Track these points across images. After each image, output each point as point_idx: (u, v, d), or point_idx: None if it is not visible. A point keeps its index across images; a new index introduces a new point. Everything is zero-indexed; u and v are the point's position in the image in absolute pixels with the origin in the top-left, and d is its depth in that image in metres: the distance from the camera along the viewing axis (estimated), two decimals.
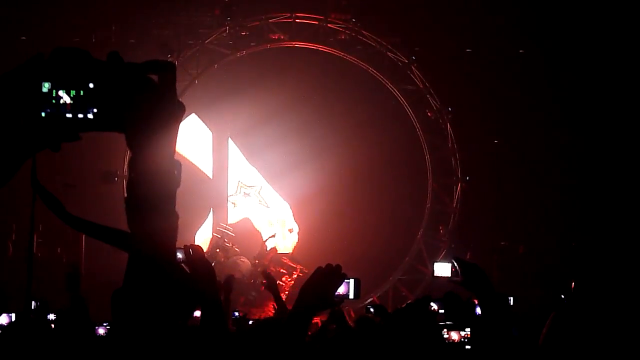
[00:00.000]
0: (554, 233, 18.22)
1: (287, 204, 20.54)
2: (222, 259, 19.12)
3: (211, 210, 20.20)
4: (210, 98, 19.58)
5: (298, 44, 19.53)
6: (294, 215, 20.47)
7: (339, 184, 19.35)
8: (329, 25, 19.38)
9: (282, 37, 19.55)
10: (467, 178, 19.14)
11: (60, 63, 1.69)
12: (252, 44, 19.54)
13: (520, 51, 19.11)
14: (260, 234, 20.18)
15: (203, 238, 19.65)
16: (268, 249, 19.66)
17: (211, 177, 20.47)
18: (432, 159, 19.54)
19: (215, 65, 19.36)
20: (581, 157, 18.16)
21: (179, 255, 3.68)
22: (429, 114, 19.66)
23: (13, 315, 8.89)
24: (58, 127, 1.70)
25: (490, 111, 18.79)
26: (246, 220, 20.62)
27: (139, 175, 1.74)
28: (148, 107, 1.71)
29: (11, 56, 16.27)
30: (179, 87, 18.76)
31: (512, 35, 18.85)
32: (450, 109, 19.29)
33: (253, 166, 20.61)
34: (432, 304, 8.03)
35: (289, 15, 19.28)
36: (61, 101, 1.69)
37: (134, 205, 1.75)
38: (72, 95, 1.69)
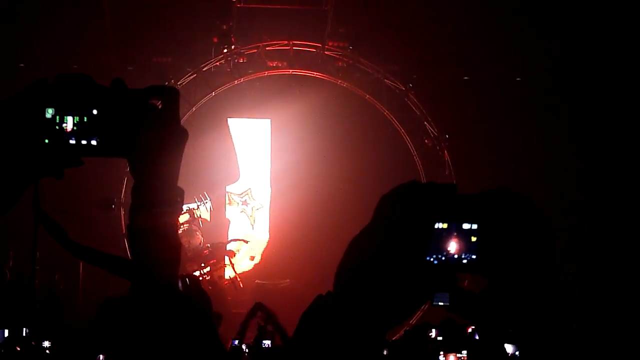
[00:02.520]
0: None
1: (267, 235, 20.82)
2: (184, 222, 19.24)
3: (208, 200, 20.31)
4: (209, 123, 19.66)
5: (296, 72, 19.58)
6: (265, 250, 20.71)
7: (335, 211, 19.28)
8: (326, 52, 19.44)
9: (279, 65, 19.61)
10: None
11: (64, 89, 1.68)
12: (249, 71, 19.59)
13: (517, 79, 19.18)
14: (227, 238, 20.43)
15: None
16: (227, 248, 19.85)
17: None
18: None
19: (213, 93, 19.39)
20: (584, 183, 18.09)
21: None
22: (426, 141, 19.68)
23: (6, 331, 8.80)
24: (61, 154, 1.69)
25: (488, 138, 18.79)
26: (226, 220, 20.80)
27: (141, 202, 1.73)
28: (151, 134, 1.70)
29: (9, 83, 16.33)
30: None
31: (509, 63, 18.92)
32: (447, 136, 19.30)
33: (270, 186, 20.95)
34: (432, 330, 8.00)
35: (286, 42, 19.35)
36: (65, 127, 1.68)
37: (136, 233, 1.74)
38: (75, 122, 1.68)
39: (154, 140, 1.70)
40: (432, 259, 1.68)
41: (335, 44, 19.53)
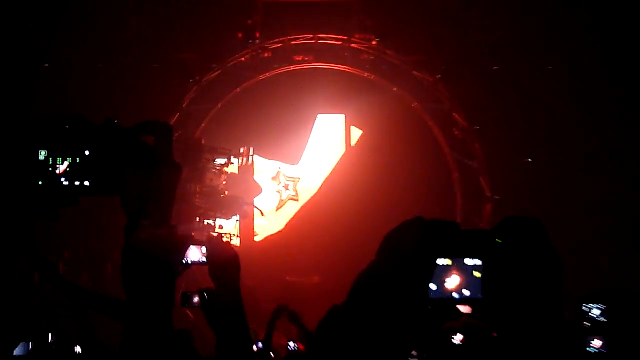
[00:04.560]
0: (591, 255, 17.64)
1: (282, 226, 20.71)
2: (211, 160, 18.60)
3: (251, 157, 20.21)
4: (234, 120, 19.56)
5: (322, 65, 19.45)
6: (270, 237, 20.60)
7: (362, 205, 19.17)
8: (352, 45, 19.27)
9: (306, 59, 19.48)
10: (497, 198, 18.82)
11: (56, 130, 1.68)
12: (275, 66, 19.48)
13: (548, 68, 18.84)
14: (253, 210, 20.22)
15: None
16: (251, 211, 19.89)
17: None
18: (460, 178, 19.30)
19: (239, 89, 19.31)
20: (616, 174, 17.75)
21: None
22: (455, 132, 19.45)
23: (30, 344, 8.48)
24: (55, 196, 1.69)
25: (519, 129, 18.53)
26: (258, 188, 20.68)
27: (134, 243, 1.68)
28: (142, 172, 1.69)
29: (33, 83, 16.32)
30: (204, 111, 18.84)
31: (539, 52, 18.62)
32: (477, 127, 19.06)
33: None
34: (456, 334, 7.83)
35: (311, 36, 19.20)
36: (57, 169, 1.68)
37: (130, 273, 1.71)
38: (68, 164, 1.69)
39: (144, 179, 1.69)
40: (433, 295, 1.72)
41: (362, 37, 19.35)
